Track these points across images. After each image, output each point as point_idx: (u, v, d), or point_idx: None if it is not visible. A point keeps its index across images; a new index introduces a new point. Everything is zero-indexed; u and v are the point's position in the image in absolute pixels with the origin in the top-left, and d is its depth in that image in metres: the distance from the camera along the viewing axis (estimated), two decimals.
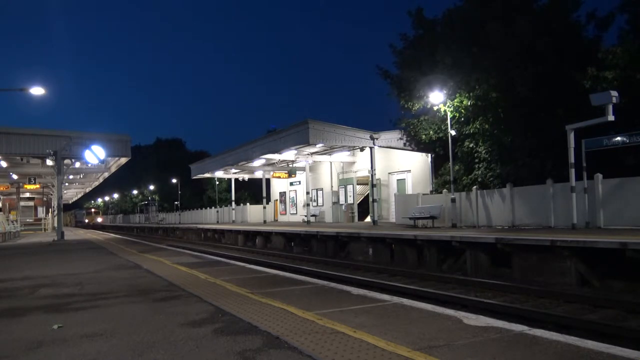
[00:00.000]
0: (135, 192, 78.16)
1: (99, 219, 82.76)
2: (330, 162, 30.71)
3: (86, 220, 79.47)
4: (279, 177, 32.94)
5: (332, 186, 31.29)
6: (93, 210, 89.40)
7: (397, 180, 25.95)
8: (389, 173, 26.56)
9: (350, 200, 29.44)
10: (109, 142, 23.58)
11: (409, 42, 21.15)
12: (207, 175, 41.25)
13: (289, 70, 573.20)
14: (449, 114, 18.33)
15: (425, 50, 19.70)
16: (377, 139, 23.81)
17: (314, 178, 32.22)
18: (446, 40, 18.67)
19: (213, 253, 17.99)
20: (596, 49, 16.13)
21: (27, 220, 42.46)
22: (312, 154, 28.49)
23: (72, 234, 33.85)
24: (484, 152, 18.36)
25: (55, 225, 26.77)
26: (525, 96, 16.35)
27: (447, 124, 18.41)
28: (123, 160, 28.01)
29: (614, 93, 12.92)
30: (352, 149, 27.36)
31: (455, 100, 18.33)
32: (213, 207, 47.10)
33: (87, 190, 57.35)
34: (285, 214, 37.12)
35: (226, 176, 41.35)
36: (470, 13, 18.62)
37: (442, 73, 18.39)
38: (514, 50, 16.32)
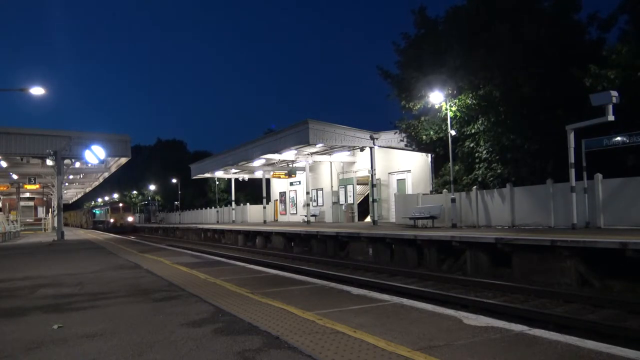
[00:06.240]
0: (135, 192, 77.96)
1: (130, 219, 54.75)
2: (330, 162, 30.71)
3: (111, 221, 52.08)
4: (279, 177, 32.93)
5: (332, 186, 31.28)
6: (121, 205, 56.96)
7: (397, 180, 25.95)
8: (389, 173, 26.56)
9: (350, 200, 29.43)
10: (109, 142, 23.58)
11: (410, 42, 21.18)
12: (207, 175, 41.25)
13: (289, 70, 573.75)
14: (449, 113, 18.33)
15: (428, 49, 19.70)
16: (377, 139, 23.81)
17: (314, 178, 32.21)
18: (449, 40, 18.65)
19: (213, 253, 17.99)
20: (599, 49, 16.14)
21: (27, 220, 42.40)
22: (312, 154, 28.49)
23: (72, 234, 33.84)
24: (484, 152, 18.37)
25: (56, 225, 26.76)
26: (528, 96, 16.37)
27: (448, 124, 18.41)
28: (123, 160, 28.01)
29: (614, 93, 12.91)
30: (352, 149, 27.36)
31: (458, 99, 18.34)
32: (213, 207, 47.11)
33: (87, 190, 57.25)
34: (285, 214, 37.12)
35: (226, 176, 41.35)
36: (473, 12, 18.60)
37: (445, 73, 18.40)
38: (518, 51, 16.32)
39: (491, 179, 18.10)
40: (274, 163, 32.36)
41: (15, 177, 32.07)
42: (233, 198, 40.03)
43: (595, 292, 9.48)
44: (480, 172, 18.47)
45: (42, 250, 16.48)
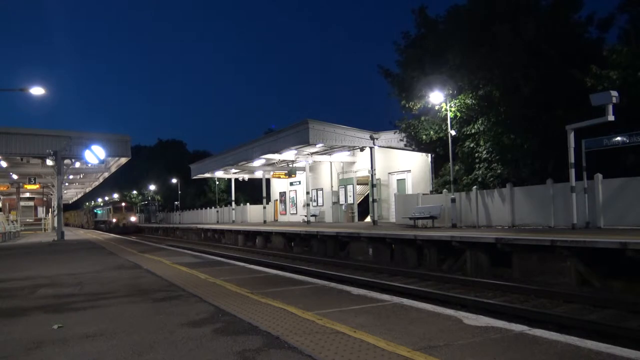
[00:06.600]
0: (135, 192, 77.90)
1: (132, 218, 52.88)
2: (330, 162, 30.71)
3: (113, 221, 50.71)
4: (279, 177, 32.95)
5: (332, 186, 31.29)
6: (124, 204, 54.60)
7: (397, 180, 25.95)
8: (389, 173, 26.56)
9: (350, 200, 29.43)
10: (109, 142, 23.58)
11: (411, 41, 21.20)
12: (207, 175, 41.26)
13: (289, 70, 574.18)
14: (449, 113, 18.34)
15: (428, 48, 19.71)
16: (377, 139, 23.82)
17: (314, 178, 32.21)
18: (449, 39, 18.66)
19: (213, 253, 18.00)
20: (599, 49, 16.15)
21: (27, 220, 42.40)
22: (312, 154, 28.49)
23: (73, 234, 33.84)
24: (484, 152, 18.37)
25: (56, 225, 26.77)
26: (528, 96, 16.37)
27: (448, 124, 18.42)
28: (123, 160, 28.02)
29: (614, 93, 12.91)
30: (352, 149, 27.36)
31: (458, 99, 18.34)
32: (213, 207, 47.11)
33: (87, 190, 57.25)
34: (285, 214, 37.13)
35: (226, 176, 41.36)
36: (474, 12, 18.60)
37: (445, 72, 18.39)
38: (518, 50, 16.32)
39: (491, 179, 18.10)
40: (274, 163, 32.36)
41: (15, 177, 32.07)
42: (233, 198, 40.04)
43: (595, 292, 9.48)
44: (480, 172, 18.47)
45: (42, 250, 16.49)
